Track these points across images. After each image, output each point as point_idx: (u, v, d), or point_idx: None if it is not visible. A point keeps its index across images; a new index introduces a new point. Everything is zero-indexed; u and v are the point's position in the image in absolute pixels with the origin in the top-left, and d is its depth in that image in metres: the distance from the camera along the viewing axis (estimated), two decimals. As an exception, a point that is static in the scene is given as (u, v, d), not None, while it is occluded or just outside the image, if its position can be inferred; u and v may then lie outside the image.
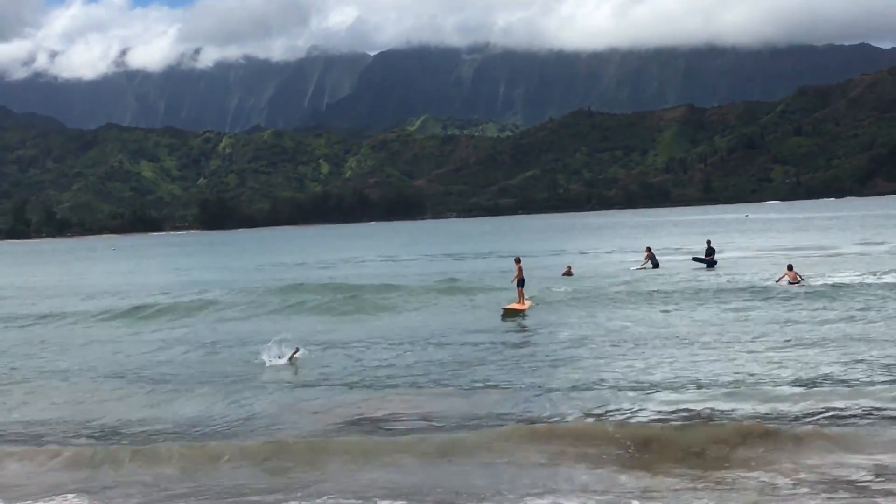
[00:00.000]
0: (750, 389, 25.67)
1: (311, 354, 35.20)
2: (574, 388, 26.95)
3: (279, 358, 33.99)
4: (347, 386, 29.11)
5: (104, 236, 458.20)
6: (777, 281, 54.71)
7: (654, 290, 52.79)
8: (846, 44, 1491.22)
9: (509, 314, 46.13)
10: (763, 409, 23.37)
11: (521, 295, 48.49)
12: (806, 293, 48.27)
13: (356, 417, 24.86)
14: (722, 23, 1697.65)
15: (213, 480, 20.13)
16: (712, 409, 23.63)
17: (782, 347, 32.21)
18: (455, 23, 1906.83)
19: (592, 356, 32.11)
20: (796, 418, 22.40)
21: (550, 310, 47.24)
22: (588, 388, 26.73)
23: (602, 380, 27.66)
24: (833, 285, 51.67)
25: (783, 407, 23.50)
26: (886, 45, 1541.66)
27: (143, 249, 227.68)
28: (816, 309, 42.43)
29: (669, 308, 45.19)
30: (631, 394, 25.76)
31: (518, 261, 49.59)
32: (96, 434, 24.45)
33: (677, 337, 35.45)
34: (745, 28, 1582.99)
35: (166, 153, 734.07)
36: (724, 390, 25.77)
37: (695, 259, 75.14)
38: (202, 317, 51.78)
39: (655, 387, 26.60)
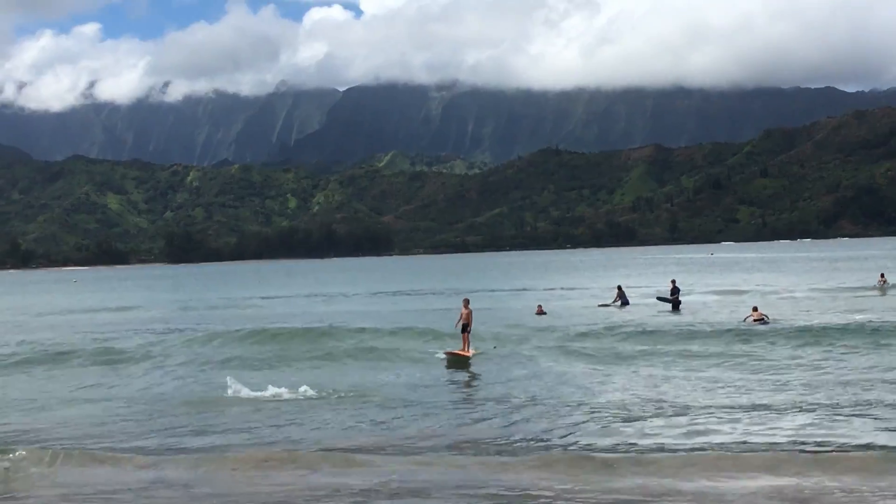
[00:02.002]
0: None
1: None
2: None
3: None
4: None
5: (69, 268, 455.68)
6: (744, 320, 55.30)
7: (624, 337, 50.30)
8: (812, 87, 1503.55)
9: (455, 362, 42.68)
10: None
11: (465, 341, 44.18)
12: (768, 335, 48.07)
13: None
14: (689, 64, 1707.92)
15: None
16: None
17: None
18: (423, 60, 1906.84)
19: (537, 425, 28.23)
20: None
21: (507, 359, 43.40)
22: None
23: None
24: (797, 327, 51.33)
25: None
26: (851, 89, 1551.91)
27: (104, 282, 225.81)
28: (775, 358, 41.74)
29: (636, 359, 42.11)
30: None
31: (467, 303, 44.95)
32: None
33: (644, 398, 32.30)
34: (712, 70, 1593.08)
35: (133, 186, 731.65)
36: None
37: (659, 299, 74.99)
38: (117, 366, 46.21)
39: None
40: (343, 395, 35.26)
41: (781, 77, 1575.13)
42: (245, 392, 35.40)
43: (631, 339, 48.67)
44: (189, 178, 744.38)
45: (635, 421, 27.86)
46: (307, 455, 24.83)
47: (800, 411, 28.60)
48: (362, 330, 57.63)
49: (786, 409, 28.88)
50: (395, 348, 49.06)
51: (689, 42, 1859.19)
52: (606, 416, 28.72)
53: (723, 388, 33.65)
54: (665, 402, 30.87)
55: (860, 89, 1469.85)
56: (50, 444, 27.32)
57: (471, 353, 43.87)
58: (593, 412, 29.49)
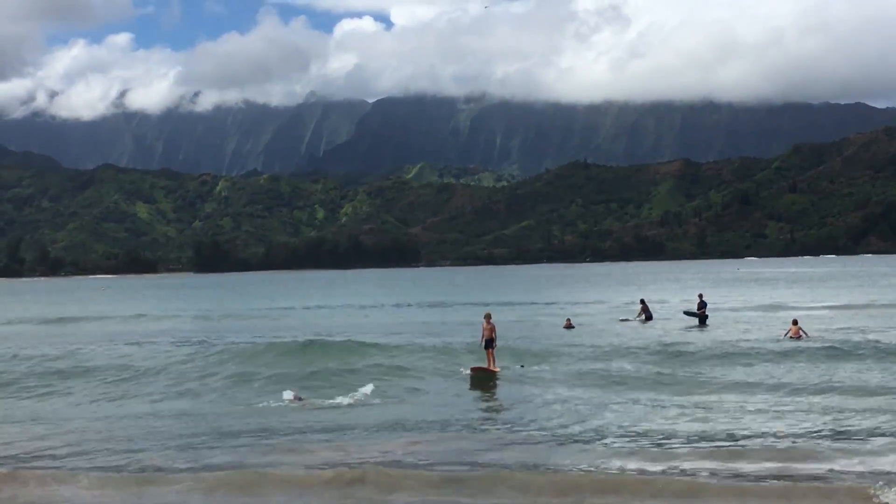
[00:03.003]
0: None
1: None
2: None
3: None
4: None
5: (98, 276, 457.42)
6: (784, 336, 55.32)
7: (653, 356, 48.35)
8: (842, 102, 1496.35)
9: (480, 379, 41.78)
10: None
11: (490, 357, 43.10)
12: (803, 353, 47.53)
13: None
14: (719, 79, 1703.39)
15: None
16: None
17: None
18: (453, 72, 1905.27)
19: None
20: None
21: (533, 379, 41.98)
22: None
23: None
24: (832, 345, 50.66)
25: None
26: (881, 105, 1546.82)
27: (132, 291, 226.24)
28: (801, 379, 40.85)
29: (668, 382, 40.23)
30: None
31: (488, 317, 43.78)
32: None
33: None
34: (741, 85, 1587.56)
35: (162, 195, 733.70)
36: None
37: (686, 313, 74.68)
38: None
39: None
40: (368, 407, 35.78)
41: (811, 92, 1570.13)
42: (276, 402, 36.39)
43: (660, 360, 47.01)
44: (218, 188, 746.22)
45: (666, 446, 27.49)
46: (352, 472, 24.99)
47: (836, 439, 27.91)
48: (387, 345, 56.89)
49: (823, 436, 28.35)
50: (418, 364, 48.17)
51: (718, 57, 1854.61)
52: (638, 442, 28.15)
53: (758, 412, 32.55)
54: (694, 428, 30.15)
55: (890, 105, 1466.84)
56: (91, 464, 27.14)
57: (497, 369, 42.85)
58: (623, 437, 28.86)
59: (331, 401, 37.14)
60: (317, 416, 33.68)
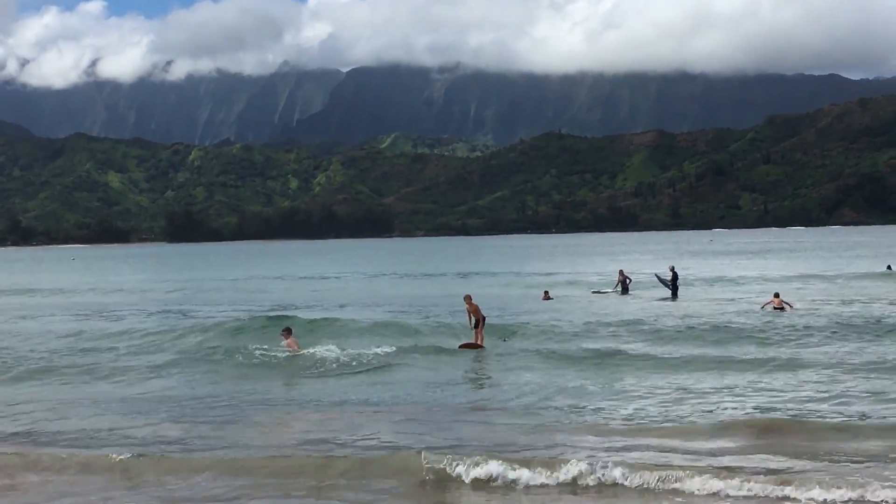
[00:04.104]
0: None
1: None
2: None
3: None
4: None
5: (70, 246, 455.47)
6: (762, 307, 54.48)
7: (633, 332, 46.38)
8: (816, 74, 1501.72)
9: (464, 352, 41.25)
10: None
11: (478, 334, 42.16)
12: (788, 327, 46.03)
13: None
14: (693, 49, 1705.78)
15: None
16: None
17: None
18: (427, 42, 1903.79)
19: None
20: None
21: (515, 355, 40.16)
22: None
23: None
24: (821, 318, 49.45)
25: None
26: (856, 77, 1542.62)
27: (103, 261, 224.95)
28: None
29: (650, 360, 37.91)
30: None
31: (469, 299, 42.76)
32: None
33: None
34: (716, 55, 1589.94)
35: (135, 164, 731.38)
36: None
37: (658, 278, 73.46)
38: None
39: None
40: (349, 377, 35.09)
41: (785, 63, 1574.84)
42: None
43: (639, 336, 45.12)
44: (191, 158, 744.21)
45: (639, 427, 26.13)
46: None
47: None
48: (366, 319, 55.44)
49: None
50: (395, 337, 46.25)
51: (693, 27, 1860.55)
52: (614, 421, 26.93)
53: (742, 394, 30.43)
54: (677, 412, 28.01)
55: (865, 77, 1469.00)
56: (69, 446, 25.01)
57: (483, 346, 41.82)
58: (608, 420, 27.08)
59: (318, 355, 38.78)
60: (285, 386, 32.93)
